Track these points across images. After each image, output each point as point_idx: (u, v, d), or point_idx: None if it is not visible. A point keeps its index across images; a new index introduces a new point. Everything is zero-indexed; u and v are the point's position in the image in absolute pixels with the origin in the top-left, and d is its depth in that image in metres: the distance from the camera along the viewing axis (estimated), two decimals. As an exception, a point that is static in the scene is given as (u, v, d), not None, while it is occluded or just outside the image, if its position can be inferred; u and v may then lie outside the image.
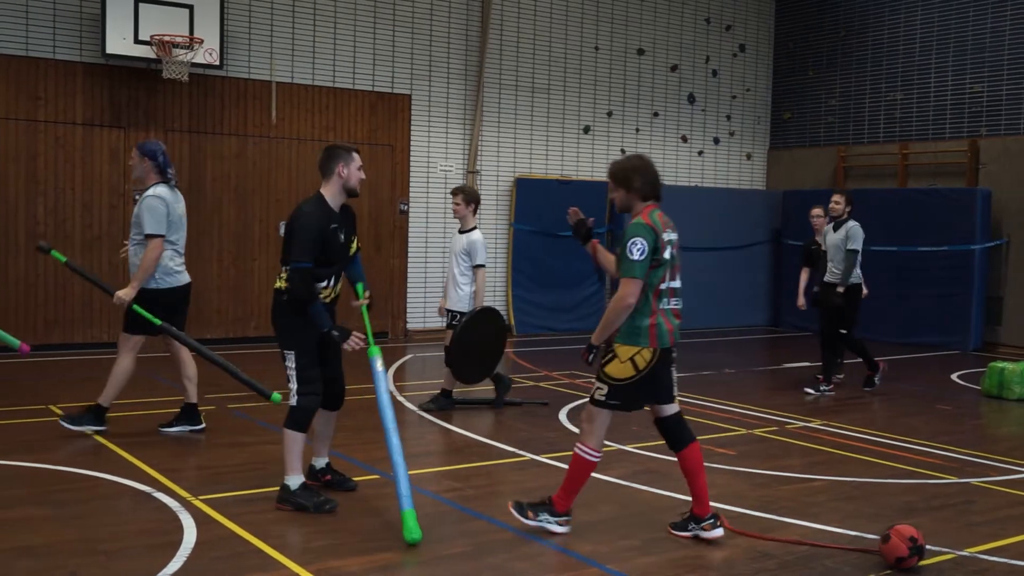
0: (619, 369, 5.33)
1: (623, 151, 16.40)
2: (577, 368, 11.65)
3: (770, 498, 6.35)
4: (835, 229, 10.24)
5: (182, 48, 11.73)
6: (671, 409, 5.55)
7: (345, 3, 13.75)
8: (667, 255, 5.34)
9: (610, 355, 5.36)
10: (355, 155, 5.86)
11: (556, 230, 15.25)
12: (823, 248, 10.54)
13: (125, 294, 7.32)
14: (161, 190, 7.41)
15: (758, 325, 17.28)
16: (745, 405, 9.58)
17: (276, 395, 6.79)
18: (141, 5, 11.70)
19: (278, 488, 5.90)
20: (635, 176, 5.45)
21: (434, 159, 14.63)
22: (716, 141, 17.51)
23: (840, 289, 10.06)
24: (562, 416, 8.79)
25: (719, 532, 5.45)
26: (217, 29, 12.19)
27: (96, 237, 12.16)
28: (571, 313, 15.65)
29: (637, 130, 16.57)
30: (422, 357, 12.56)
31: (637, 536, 5.50)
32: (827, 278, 10.31)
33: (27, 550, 4.99)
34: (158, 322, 7.31)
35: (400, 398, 9.43)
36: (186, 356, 7.70)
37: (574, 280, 15.63)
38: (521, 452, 7.41)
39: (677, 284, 5.46)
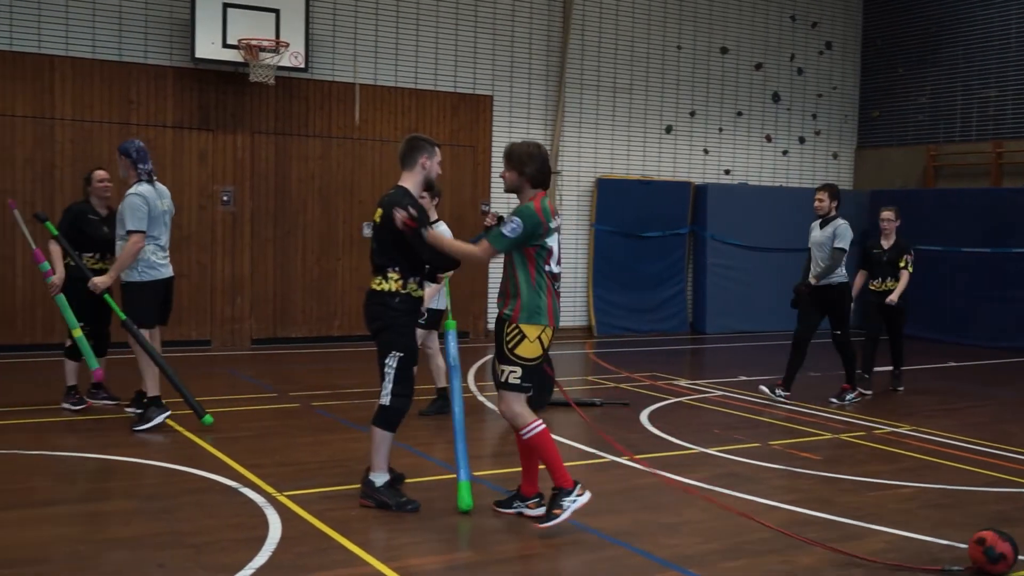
0: (530, 349, 5.45)
1: (706, 151, 16.24)
2: (658, 369, 11.57)
3: (856, 504, 6.21)
4: (821, 226, 9.65)
5: (268, 52, 11.93)
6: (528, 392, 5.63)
7: (428, 5, 13.84)
8: (551, 241, 5.56)
9: (518, 336, 5.45)
10: (437, 149, 5.95)
11: (637, 230, 15.16)
12: (882, 254, 10.29)
13: (101, 281, 7.75)
14: (143, 188, 7.77)
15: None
16: (830, 409, 9.40)
17: (208, 418, 7.65)
18: (229, 10, 11.94)
19: (360, 485, 5.95)
20: (530, 162, 5.57)
21: (515, 160, 14.62)
22: (801, 140, 17.22)
23: (813, 281, 9.52)
24: (643, 418, 8.73)
25: (542, 511, 5.52)
26: (302, 32, 12.37)
27: (185, 237, 12.43)
28: (652, 314, 15.53)
29: (720, 129, 16.38)
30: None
31: (720, 540, 5.42)
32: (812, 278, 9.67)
33: (118, 542, 5.11)
34: (123, 316, 7.72)
35: (481, 398, 9.46)
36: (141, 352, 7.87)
37: (655, 281, 15.51)
38: (602, 454, 7.37)
39: (561, 268, 5.73)
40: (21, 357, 11.22)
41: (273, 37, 12.08)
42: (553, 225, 5.57)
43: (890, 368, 10.74)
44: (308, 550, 5.05)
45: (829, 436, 8.26)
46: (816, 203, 9.68)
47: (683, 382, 10.86)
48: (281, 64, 12.10)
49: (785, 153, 17.10)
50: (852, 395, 9.82)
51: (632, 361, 12.29)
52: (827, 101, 17.44)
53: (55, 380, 9.93)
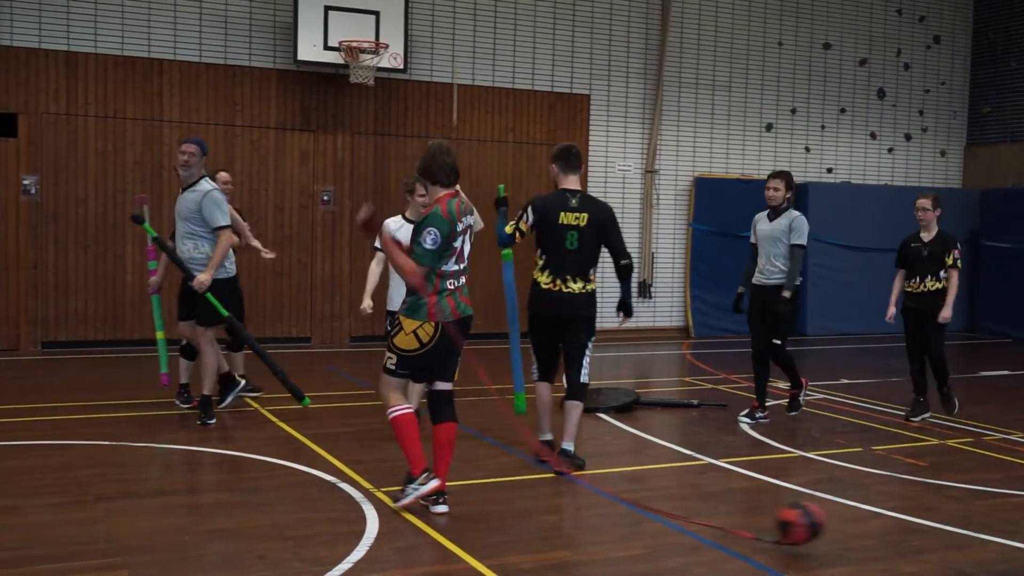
0: (405, 341, 5.63)
1: (807, 149, 15.93)
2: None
3: (963, 512, 6.01)
4: (771, 218, 8.33)
5: (368, 53, 12.09)
6: (445, 386, 5.83)
7: (526, 4, 13.87)
8: (457, 243, 5.66)
9: (397, 327, 5.66)
10: None
11: (736, 230, 14.93)
12: (923, 250, 8.81)
13: (206, 279, 7.65)
14: (213, 184, 7.90)
15: (952, 330, 16.41)
16: (937, 415, 9.12)
17: (306, 399, 7.83)
18: (331, 13, 12.14)
19: (456, 483, 5.98)
20: (438, 171, 5.87)
21: (612, 159, 14.59)
22: (908, 138, 16.77)
23: (787, 294, 8.12)
24: (741, 420, 8.59)
25: (443, 508, 5.65)
26: (402, 34, 12.51)
27: (286, 236, 12.69)
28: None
29: (823, 127, 16.05)
30: (599, 357, 12.52)
31: (820, 546, 5.30)
32: (762, 279, 8.34)
33: (220, 533, 5.23)
34: (225, 313, 7.79)
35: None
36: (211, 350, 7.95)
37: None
38: (699, 456, 7.28)
39: (463, 266, 5.76)
40: (130, 352, 11.58)
41: (373, 39, 12.24)
42: (460, 227, 5.68)
43: (913, 392, 9.04)
44: (404, 546, 5.10)
45: (935, 442, 8.02)
46: (769, 192, 8.32)
47: (782, 384, 10.66)
48: (380, 65, 12.26)
49: (890, 151, 16.66)
50: (802, 395, 8.77)
51: (730, 362, 12.12)
52: (934, 97, 16.94)
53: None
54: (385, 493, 5.98)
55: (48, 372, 10.47)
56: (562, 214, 6.61)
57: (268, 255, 9.32)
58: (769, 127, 15.65)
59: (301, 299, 12.85)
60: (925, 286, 8.74)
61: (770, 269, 8.27)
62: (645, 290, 14.80)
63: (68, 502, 5.69)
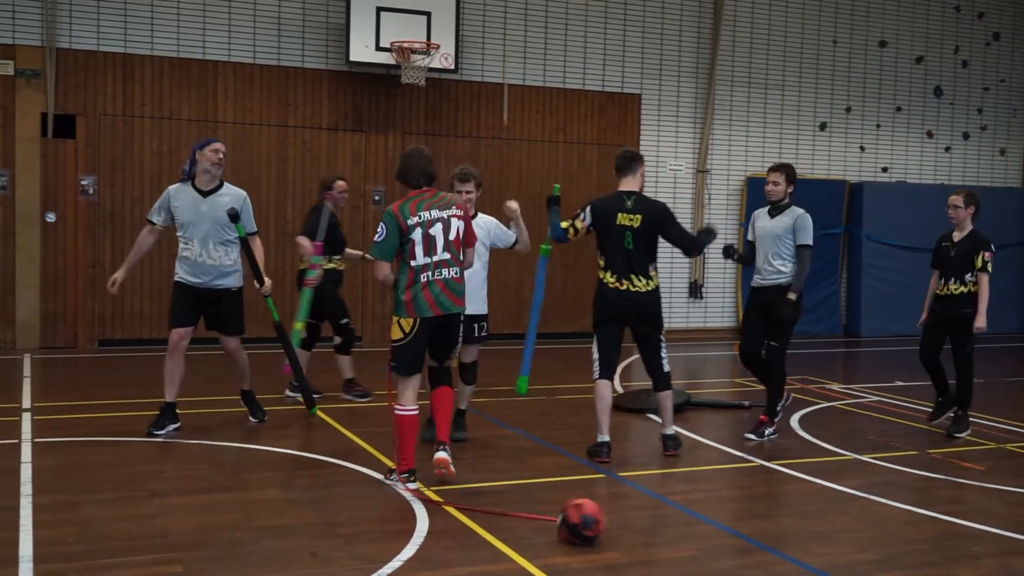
0: (393, 332, 6.09)
1: (862, 148, 15.73)
2: (809, 373, 11.27)
3: (1023, 518, 5.89)
4: (772, 215, 7.80)
5: (420, 54, 12.15)
6: (444, 362, 6.34)
7: (576, 4, 13.84)
8: (413, 235, 5.97)
9: (392, 325, 6.14)
10: None
11: (789, 230, 14.78)
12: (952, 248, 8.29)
13: (271, 283, 7.68)
14: None
15: (1010, 332, 16.13)
16: (996, 418, 8.95)
17: (314, 409, 8.04)
18: (382, 14, 12.21)
19: (505, 483, 5.98)
20: (410, 175, 6.13)
21: (663, 158, 14.51)
22: (965, 136, 16.48)
23: (792, 296, 7.66)
24: (794, 422, 8.51)
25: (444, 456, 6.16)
26: (453, 34, 12.55)
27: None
28: (804, 316, 14.98)
29: (878, 126, 15.83)
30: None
31: (875, 550, 5.23)
32: (760, 280, 7.82)
33: (273, 530, 5.28)
34: (277, 317, 7.88)
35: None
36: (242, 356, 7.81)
37: (808, 282, 14.99)
38: (750, 457, 7.22)
39: (438, 257, 6.02)
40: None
41: (424, 39, 12.29)
42: (413, 221, 5.99)
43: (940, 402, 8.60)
44: (454, 544, 5.11)
45: (993, 446, 7.87)
46: (769, 186, 7.80)
47: (836, 386, 10.54)
48: (432, 66, 12.30)
49: (948, 150, 16.39)
50: (770, 430, 7.80)
51: (782, 364, 11.98)
52: (994, 95, 16.63)
53: (215, 372, 10.36)
54: (435, 492, 6.00)
55: (105, 369, 10.64)
56: (619, 215, 6.96)
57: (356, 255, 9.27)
58: (823, 126, 15.47)
59: (353, 298, 12.92)
60: (948, 288, 8.17)
61: (768, 269, 7.74)
62: (696, 290, 14.71)
63: (124, 498, 5.78)
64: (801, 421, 8.55)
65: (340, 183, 8.87)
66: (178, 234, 7.41)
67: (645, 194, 7.18)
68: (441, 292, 6.03)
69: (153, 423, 7.35)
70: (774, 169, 7.88)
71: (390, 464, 6.60)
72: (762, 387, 9.45)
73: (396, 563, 4.78)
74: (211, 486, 6.13)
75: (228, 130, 12.28)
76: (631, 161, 7.16)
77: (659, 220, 6.96)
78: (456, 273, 6.12)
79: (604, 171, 14.05)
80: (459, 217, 6.15)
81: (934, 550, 5.27)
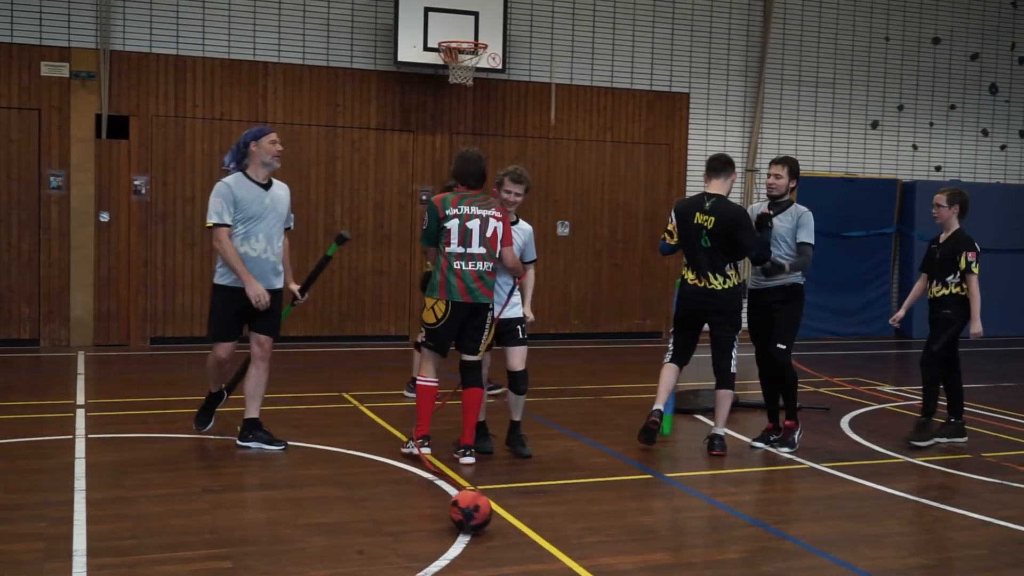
0: (426, 315, 6.67)
1: (915, 147, 15.51)
2: (860, 375, 11.13)
3: (1081, 523, 5.78)
4: (774, 213, 7.44)
5: (467, 54, 12.17)
6: (469, 357, 6.69)
7: (624, 3, 13.79)
8: (448, 224, 6.56)
9: (424, 305, 6.74)
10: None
11: (839, 230, 14.63)
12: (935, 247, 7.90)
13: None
14: None
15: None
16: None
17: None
18: (430, 14, 12.25)
19: (552, 483, 5.97)
20: (466, 176, 6.72)
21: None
22: (1022, 134, 16.18)
23: (787, 268, 7.33)
24: (844, 424, 8.41)
25: (470, 460, 6.63)
26: (500, 34, 12.56)
27: (386, 236, 12.85)
28: (855, 317, 14.96)
29: (931, 124, 15.60)
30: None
31: (926, 554, 5.16)
32: (760, 281, 7.52)
33: (321, 527, 5.32)
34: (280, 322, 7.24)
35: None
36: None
37: (859, 282, 14.93)
38: (800, 459, 7.14)
39: (472, 250, 6.55)
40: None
41: (472, 39, 12.31)
42: (452, 212, 6.56)
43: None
44: (500, 544, 5.12)
45: (1050, 449, 7.72)
46: (771, 179, 7.50)
47: (887, 388, 10.41)
48: (479, 66, 12.32)
49: (1003, 148, 16.11)
50: (798, 433, 7.44)
51: (833, 365, 11.87)
52: (1051, 92, 16.32)
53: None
54: (482, 491, 6.01)
55: (156, 366, 10.79)
56: (697, 215, 7.15)
57: None
58: (875, 124, 15.28)
59: (400, 298, 13.00)
60: (932, 291, 7.80)
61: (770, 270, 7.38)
62: (744, 291, 14.57)
63: (175, 494, 5.86)
64: (852, 423, 8.45)
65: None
66: (237, 230, 6.67)
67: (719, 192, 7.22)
68: (474, 282, 6.56)
69: (242, 435, 6.92)
70: (777, 162, 7.55)
71: (440, 464, 6.62)
72: (812, 389, 9.32)
73: (443, 562, 4.80)
74: (261, 483, 6.19)
75: (278, 130, 12.24)
76: (719, 163, 7.28)
77: (732, 224, 7.05)
78: (489, 268, 6.61)
79: (651, 170, 14.00)
80: (497, 218, 6.65)
81: (989, 556, 5.18)
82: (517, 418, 6.98)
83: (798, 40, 14.76)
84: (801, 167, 15.05)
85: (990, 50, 15.87)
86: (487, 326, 6.67)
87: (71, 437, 7.15)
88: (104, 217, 11.80)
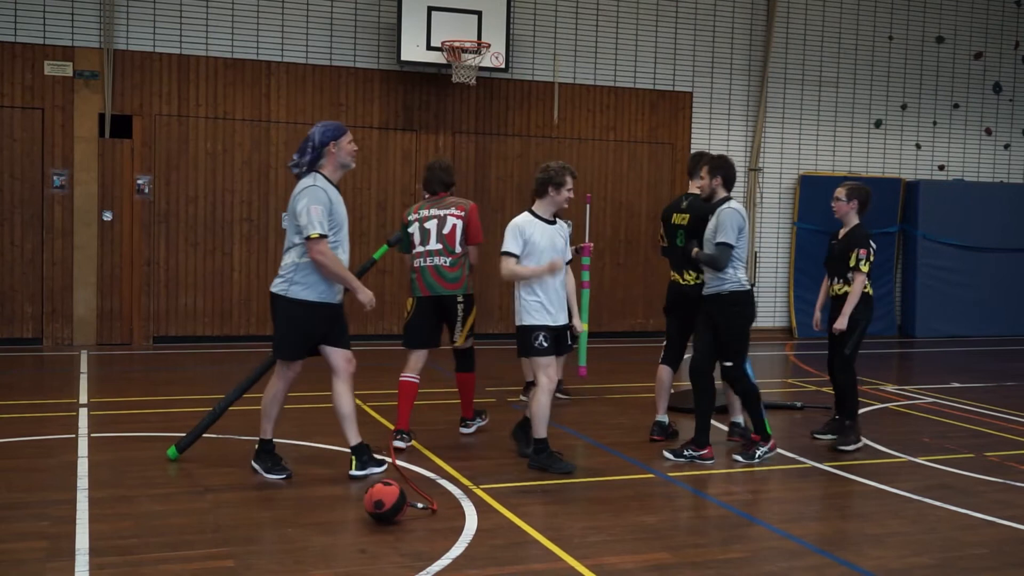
0: (406, 312, 7.20)
1: (918, 146, 15.49)
2: (863, 373, 11.12)
3: (1085, 523, 5.77)
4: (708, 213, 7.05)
5: (471, 53, 12.16)
6: (456, 346, 7.28)
7: (628, 2, 13.78)
8: (411, 229, 7.16)
9: None
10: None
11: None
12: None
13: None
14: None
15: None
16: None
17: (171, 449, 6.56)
18: (434, 13, 12.24)
19: (554, 482, 5.96)
20: (430, 184, 7.31)
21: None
22: (1025, 133, 16.17)
23: (695, 251, 6.92)
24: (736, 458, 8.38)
25: (475, 427, 7.62)
26: (503, 33, 12.55)
27: (389, 235, 12.83)
28: (858, 316, 14.91)
29: (934, 123, 15.57)
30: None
31: (929, 554, 5.15)
32: (706, 289, 6.99)
33: (323, 526, 5.32)
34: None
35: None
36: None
37: (862, 282, 14.88)
38: (802, 459, 7.13)
39: (430, 247, 7.08)
40: (238, 347, 11.88)
41: (475, 38, 12.30)
42: (410, 218, 7.21)
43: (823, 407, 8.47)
44: (503, 543, 5.11)
45: (1053, 449, 7.71)
46: (698, 181, 7.19)
47: (890, 387, 10.39)
48: (482, 65, 12.31)
49: (1007, 147, 16.08)
50: (763, 449, 7.01)
51: (836, 364, 11.83)
52: (1054, 91, 16.29)
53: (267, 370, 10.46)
54: (484, 491, 6.01)
55: (159, 366, 10.80)
56: (674, 215, 7.47)
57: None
58: (878, 123, 15.26)
59: (402, 297, 12.98)
60: (834, 289, 7.56)
61: (708, 276, 6.94)
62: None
63: (178, 493, 5.86)
64: (854, 422, 8.42)
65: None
66: (329, 240, 6.05)
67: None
68: (431, 276, 7.06)
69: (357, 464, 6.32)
70: (702, 162, 7.21)
71: (443, 464, 6.62)
72: (815, 388, 9.30)
73: (445, 561, 4.80)
74: (263, 482, 6.19)
75: (281, 130, 12.40)
76: (695, 163, 7.42)
77: (703, 220, 7.09)
78: (447, 262, 7.08)
79: (654, 170, 13.98)
80: (458, 216, 7.15)
81: (992, 555, 5.17)
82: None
83: (801, 39, 14.75)
84: (804, 166, 15.12)
85: (994, 49, 15.84)
86: (459, 317, 7.14)
87: (74, 436, 7.15)
88: (107, 216, 11.81)
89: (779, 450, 7.37)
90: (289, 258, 6.11)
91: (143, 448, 6.91)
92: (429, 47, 12.24)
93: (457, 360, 7.40)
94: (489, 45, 12.29)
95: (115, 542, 4.95)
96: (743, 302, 6.83)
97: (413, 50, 12.26)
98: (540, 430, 6.49)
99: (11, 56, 11.41)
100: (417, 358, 7.15)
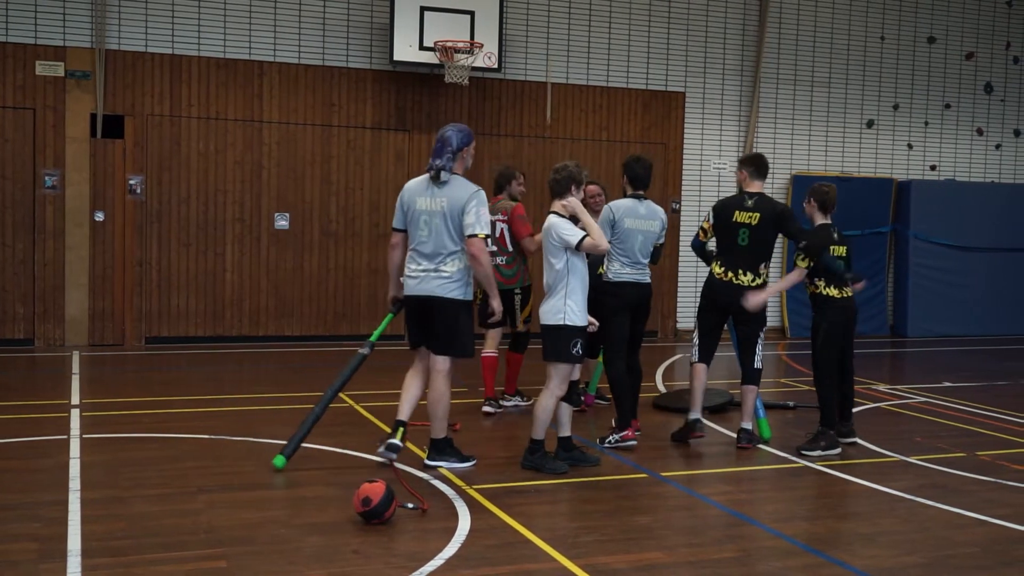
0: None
1: (910, 146, 15.53)
2: (855, 373, 11.14)
3: (1076, 522, 5.79)
4: (644, 209, 7.50)
5: (463, 53, 12.16)
6: (517, 328, 8.45)
7: (620, 2, 13.79)
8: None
9: None
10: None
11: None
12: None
13: None
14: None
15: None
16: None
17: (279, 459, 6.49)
18: (426, 13, 12.24)
19: (547, 482, 5.96)
20: (501, 185, 8.33)
21: (707, 157, 14.41)
22: (1017, 133, 16.21)
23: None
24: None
25: (512, 403, 8.56)
26: (496, 33, 12.55)
27: (382, 235, 12.83)
28: (850, 316, 14.94)
29: (926, 123, 15.61)
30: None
31: (921, 553, 5.16)
32: (641, 277, 7.43)
33: (316, 527, 5.32)
34: (372, 338, 6.93)
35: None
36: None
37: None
38: (794, 458, 7.15)
39: (490, 247, 7.57)
40: (230, 348, 11.86)
41: (468, 38, 12.30)
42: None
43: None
44: (496, 543, 5.12)
45: (1045, 448, 7.73)
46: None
47: (882, 387, 10.41)
48: (475, 65, 12.31)
49: (998, 147, 16.13)
50: (614, 436, 7.29)
51: (828, 364, 11.85)
52: (1045, 91, 16.34)
53: (260, 370, 10.46)
54: (477, 490, 6.01)
55: (151, 366, 10.78)
56: (737, 212, 7.37)
57: None
58: (870, 123, 15.29)
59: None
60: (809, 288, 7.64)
61: (640, 265, 7.41)
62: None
63: (171, 493, 5.85)
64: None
65: (591, 187, 8.30)
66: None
67: (765, 194, 7.56)
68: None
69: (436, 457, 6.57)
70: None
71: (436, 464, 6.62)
72: (808, 388, 9.34)
73: (438, 561, 4.80)
74: (256, 482, 6.18)
75: (273, 130, 12.39)
76: (766, 167, 7.69)
77: (778, 218, 7.38)
78: (503, 260, 8.26)
79: (647, 170, 13.97)
80: (502, 220, 8.20)
81: (983, 554, 5.19)
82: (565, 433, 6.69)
83: (794, 39, 14.78)
84: (796, 166, 15.16)
85: (985, 49, 15.88)
86: (517, 307, 8.36)
87: (66, 437, 7.14)
88: (99, 217, 11.78)
89: (771, 450, 7.39)
90: (453, 264, 6.33)
91: (135, 449, 6.90)
92: (422, 47, 12.24)
93: (512, 340, 8.48)
94: (482, 45, 12.29)
95: (108, 543, 4.94)
96: (609, 292, 7.27)
97: (406, 50, 12.25)
98: (539, 431, 6.49)
99: (2, 56, 11.37)
100: (493, 336, 8.31)
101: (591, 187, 8.28)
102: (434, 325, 6.42)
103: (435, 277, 6.36)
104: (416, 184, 6.52)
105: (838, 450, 7.26)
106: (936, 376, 11.26)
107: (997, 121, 16.07)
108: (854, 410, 7.81)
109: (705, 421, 7.70)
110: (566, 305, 6.36)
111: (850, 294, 7.47)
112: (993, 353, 13.49)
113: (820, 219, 7.67)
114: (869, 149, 15.34)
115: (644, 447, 7.29)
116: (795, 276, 7.48)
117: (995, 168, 16.13)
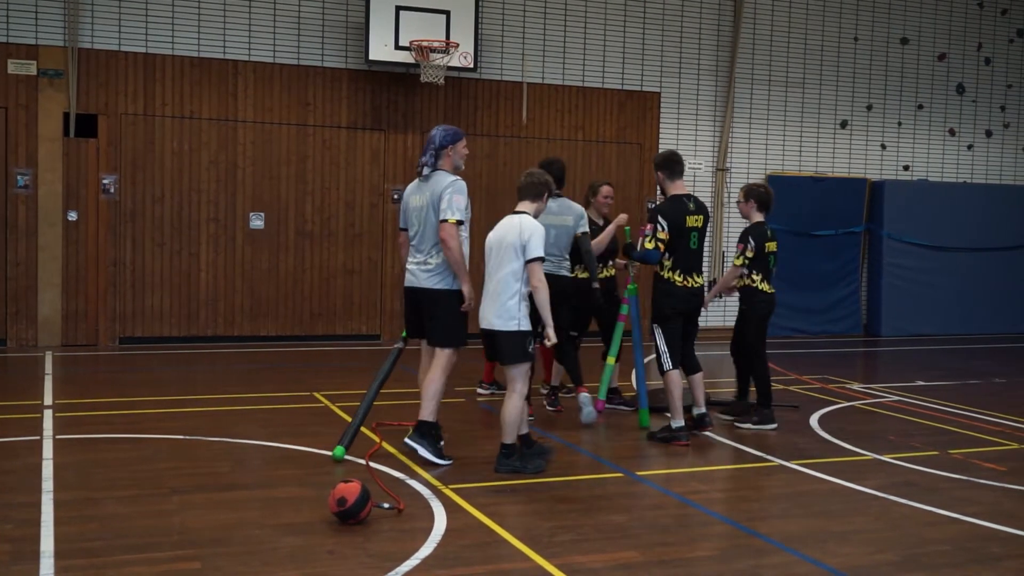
0: None
1: (883, 146, 15.63)
2: (829, 372, 11.21)
3: (1046, 519, 5.85)
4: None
5: (439, 52, 12.15)
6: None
7: (596, 2, 13.81)
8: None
9: None
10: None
11: (809, 229, 14.73)
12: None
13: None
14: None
15: (1033, 332, 16.02)
16: (1017, 417, 8.88)
17: (339, 449, 6.68)
18: (402, 12, 12.22)
19: (523, 481, 5.97)
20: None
21: (683, 157, 14.44)
22: (988, 134, 16.36)
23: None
24: (813, 421, 8.47)
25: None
26: (472, 33, 12.55)
27: (358, 235, 12.81)
28: (824, 315, 15.06)
29: (899, 124, 15.73)
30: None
31: (894, 551, 5.20)
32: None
33: (291, 527, 5.30)
34: (404, 334, 7.21)
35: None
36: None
37: (828, 281, 15.02)
38: (769, 457, 7.19)
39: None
40: (204, 348, 11.80)
41: (444, 38, 12.29)
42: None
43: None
44: (472, 543, 5.12)
45: (1016, 446, 7.81)
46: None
47: (856, 386, 10.49)
48: (451, 64, 12.30)
49: (970, 148, 16.27)
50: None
51: (802, 363, 11.95)
52: (1017, 92, 16.49)
53: (235, 370, 10.42)
54: (453, 490, 6.01)
55: (125, 367, 10.71)
56: (687, 218, 7.48)
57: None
58: (844, 124, 15.39)
59: (371, 296, 12.97)
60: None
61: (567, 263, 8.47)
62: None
63: (144, 494, 5.82)
64: (820, 421, 8.51)
65: (605, 188, 8.94)
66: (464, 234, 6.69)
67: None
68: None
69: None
70: None
71: (411, 464, 6.61)
72: (783, 387, 9.39)
73: (414, 561, 4.79)
74: (231, 483, 6.16)
75: (248, 130, 12.33)
76: (682, 165, 7.90)
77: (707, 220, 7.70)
78: None
79: (623, 170, 14.03)
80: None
81: (955, 551, 5.23)
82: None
83: (768, 40, 14.85)
84: (771, 166, 15.23)
85: (957, 50, 16.02)
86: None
87: (38, 438, 7.08)
88: (72, 216, 11.69)
89: (747, 449, 7.42)
90: (439, 255, 6.64)
91: (108, 450, 6.85)
92: (397, 47, 12.22)
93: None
94: (457, 45, 12.29)
95: (80, 544, 4.91)
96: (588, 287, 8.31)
97: (381, 49, 12.23)
98: (511, 435, 6.49)
99: (-27, 54, 11.27)
100: None
101: (605, 187, 8.98)
102: (425, 316, 6.74)
103: (424, 269, 6.72)
104: (412, 184, 6.90)
105: (774, 424, 8.06)
106: (909, 375, 11.35)
107: (969, 122, 16.21)
108: (828, 409, 7.88)
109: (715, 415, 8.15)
110: (519, 311, 6.53)
111: (773, 290, 8.40)
112: (966, 352, 13.60)
113: (757, 217, 8.32)
114: (843, 149, 15.44)
115: (621, 446, 7.31)
116: (734, 272, 8.33)
117: (967, 168, 16.27)
